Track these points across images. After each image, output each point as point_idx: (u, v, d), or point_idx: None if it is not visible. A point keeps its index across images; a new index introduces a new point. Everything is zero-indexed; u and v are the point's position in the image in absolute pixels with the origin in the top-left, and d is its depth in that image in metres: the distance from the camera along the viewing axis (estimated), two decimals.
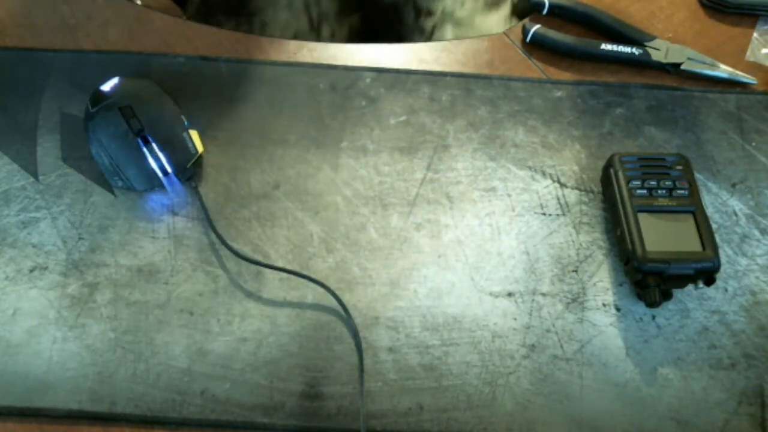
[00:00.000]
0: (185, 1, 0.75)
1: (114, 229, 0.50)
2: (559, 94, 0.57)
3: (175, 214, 0.50)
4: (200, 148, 0.52)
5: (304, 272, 0.48)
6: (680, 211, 0.48)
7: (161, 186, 0.51)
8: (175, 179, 0.51)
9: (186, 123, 0.51)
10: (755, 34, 0.62)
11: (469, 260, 0.49)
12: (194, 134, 0.51)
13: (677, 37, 0.62)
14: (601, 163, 0.53)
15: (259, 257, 0.49)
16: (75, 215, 0.50)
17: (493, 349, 0.46)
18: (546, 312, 0.47)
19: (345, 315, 0.46)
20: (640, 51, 0.59)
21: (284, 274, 0.48)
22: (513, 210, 0.52)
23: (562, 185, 0.53)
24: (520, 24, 0.61)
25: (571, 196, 0.52)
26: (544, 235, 0.51)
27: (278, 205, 0.51)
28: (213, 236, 0.49)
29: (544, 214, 0.52)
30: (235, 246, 0.49)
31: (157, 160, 0.49)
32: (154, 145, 0.49)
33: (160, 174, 0.50)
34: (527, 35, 0.60)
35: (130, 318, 0.46)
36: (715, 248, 0.46)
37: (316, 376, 0.45)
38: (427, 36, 0.77)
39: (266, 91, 0.57)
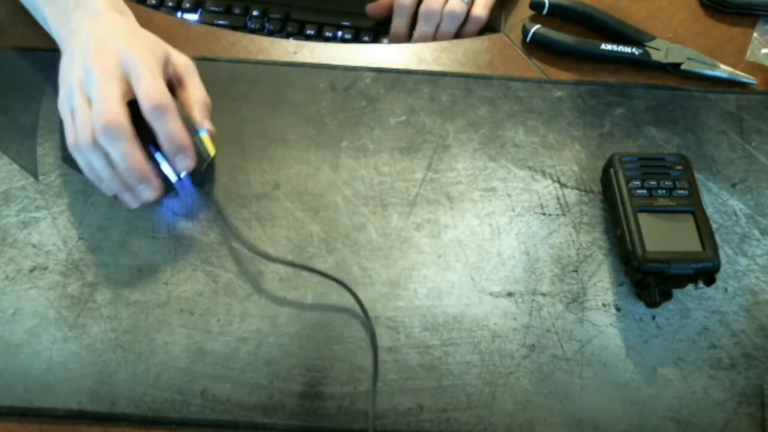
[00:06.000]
0: None
1: (114, 229, 0.50)
2: (559, 94, 0.57)
3: (175, 214, 0.50)
4: (212, 151, 0.50)
5: (304, 272, 0.48)
6: (680, 211, 0.48)
7: (175, 192, 0.50)
8: (188, 184, 0.51)
9: (197, 128, 0.50)
10: (755, 34, 0.62)
11: (469, 260, 0.49)
12: (205, 138, 0.50)
13: (677, 37, 0.62)
14: (601, 163, 0.53)
15: (259, 257, 0.49)
16: (75, 215, 0.50)
17: (493, 349, 0.46)
18: (546, 312, 0.47)
19: (360, 310, 0.46)
20: (640, 51, 0.59)
21: (284, 274, 0.48)
22: (513, 210, 0.52)
23: (562, 185, 0.53)
24: (520, 24, 0.61)
25: (571, 196, 0.52)
26: (544, 235, 0.51)
27: (278, 205, 0.51)
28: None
29: (544, 214, 0.52)
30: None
31: (170, 166, 0.48)
32: None
33: (174, 179, 0.49)
34: (527, 35, 0.60)
35: (130, 318, 0.46)
36: (715, 248, 0.46)
37: (315, 376, 0.45)
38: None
39: (266, 91, 0.57)
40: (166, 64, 0.49)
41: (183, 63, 0.51)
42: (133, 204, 0.48)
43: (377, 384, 0.44)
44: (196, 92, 0.51)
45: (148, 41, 0.49)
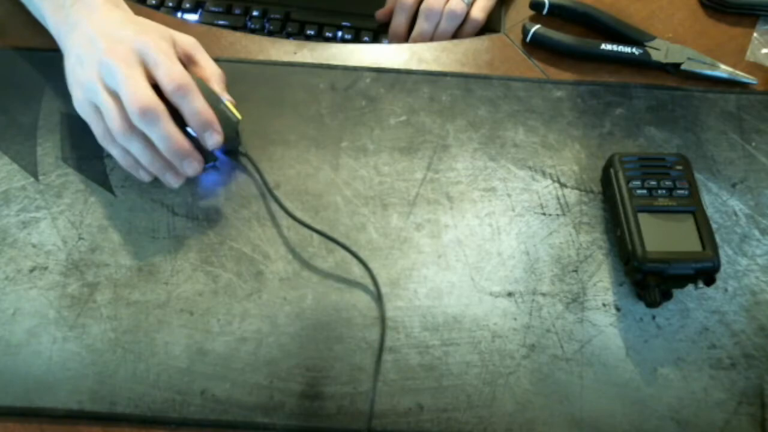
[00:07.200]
0: None
1: (114, 229, 0.50)
2: (559, 94, 0.57)
3: (175, 214, 0.50)
4: (238, 115, 0.51)
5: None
6: (680, 211, 0.48)
7: (214, 160, 0.51)
8: (221, 153, 0.51)
9: (219, 96, 0.50)
10: (755, 34, 0.62)
11: (469, 260, 0.49)
12: (230, 104, 0.51)
13: (677, 37, 0.62)
14: (601, 163, 0.53)
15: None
16: (75, 215, 0.50)
17: (493, 349, 0.46)
18: (546, 312, 0.47)
19: (374, 290, 0.47)
20: (640, 51, 0.59)
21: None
22: (513, 210, 0.52)
23: (562, 185, 0.53)
24: (520, 24, 0.61)
25: (571, 196, 0.52)
26: (544, 235, 0.51)
27: (278, 205, 0.51)
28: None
29: (544, 214, 0.52)
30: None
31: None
32: None
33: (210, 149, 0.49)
34: (527, 35, 0.60)
35: (130, 318, 0.46)
36: (715, 248, 0.46)
37: (315, 376, 0.45)
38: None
39: (266, 91, 0.57)
40: (174, 46, 0.50)
41: (188, 42, 0.52)
42: (176, 183, 0.49)
43: (379, 374, 0.44)
44: (208, 66, 0.52)
45: (152, 27, 0.49)
